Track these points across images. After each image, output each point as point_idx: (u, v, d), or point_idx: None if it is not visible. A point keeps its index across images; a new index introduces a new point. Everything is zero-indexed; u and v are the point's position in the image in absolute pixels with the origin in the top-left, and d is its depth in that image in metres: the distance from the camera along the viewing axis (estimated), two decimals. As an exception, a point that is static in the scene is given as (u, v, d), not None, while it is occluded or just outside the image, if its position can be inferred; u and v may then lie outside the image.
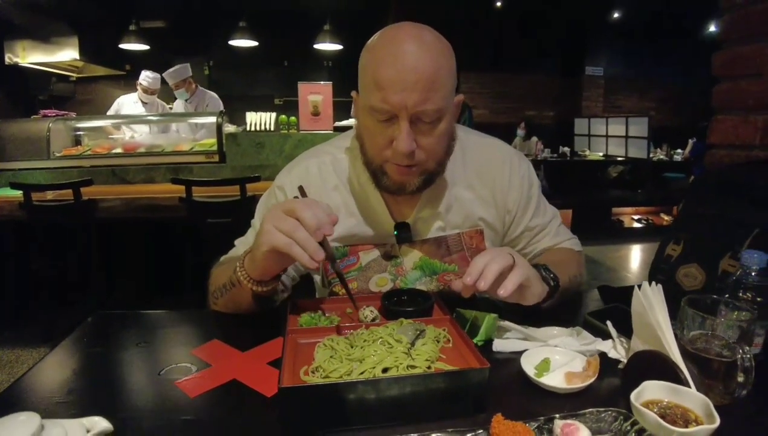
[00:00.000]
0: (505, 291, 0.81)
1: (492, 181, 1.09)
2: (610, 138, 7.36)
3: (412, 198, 1.03)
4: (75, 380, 0.78)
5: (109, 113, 4.70)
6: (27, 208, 2.71)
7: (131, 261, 3.21)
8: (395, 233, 1.05)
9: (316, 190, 1.04)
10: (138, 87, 4.68)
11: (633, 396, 0.62)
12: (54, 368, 0.82)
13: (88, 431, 0.52)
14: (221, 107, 4.58)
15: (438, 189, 1.04)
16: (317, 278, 1.17)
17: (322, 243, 0.80)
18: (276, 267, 0.89)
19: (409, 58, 0.84)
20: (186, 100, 4.59)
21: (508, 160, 1.10)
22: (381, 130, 0.89)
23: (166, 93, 4.80)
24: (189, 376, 0.77)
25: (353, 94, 0.97)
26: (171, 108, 5.07)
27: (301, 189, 0.93)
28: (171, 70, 4.46)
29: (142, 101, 4.71)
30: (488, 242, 1.10)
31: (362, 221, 1.06)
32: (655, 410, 0.61)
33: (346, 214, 1.05)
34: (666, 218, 6.91)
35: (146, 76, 4.64)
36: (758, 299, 0.78)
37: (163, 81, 4.56)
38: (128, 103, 4.72)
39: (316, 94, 3.54)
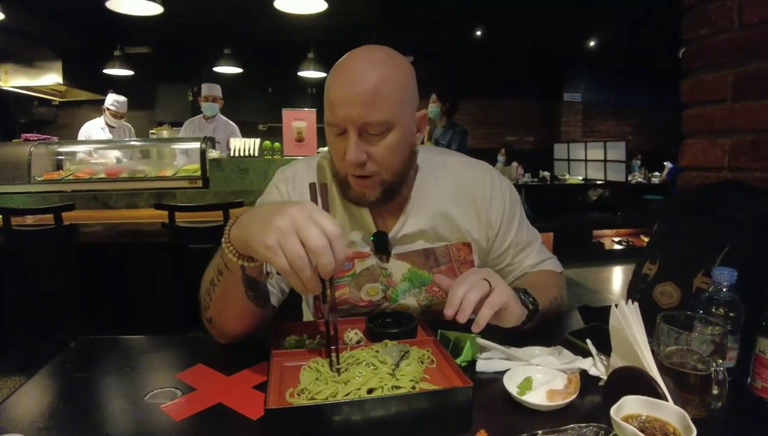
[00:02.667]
0: (477, 327, 0.84)
1: (473, 198, 1.11)
2: (589, 162, 7.52)
3: (396, 211, 1.06)
4: (58, 405, 0.77)
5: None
6: (6, 233, 2.64)
7: (113, 287, 3.15)
8: (372, 238, 1.06)
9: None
10: (105, 112, 4.64)
11: (613, 411, 0.64)
12: (36, 394, 0.81)
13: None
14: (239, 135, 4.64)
15: (422, 202, 1.07)
16: (310, 302, 1.16)
17: (330, 281, 0.76)
18: None
19: (353, 74, 0.90)
20: (206, 118, 4.58)
21: (488, 178, 1.13)
22: (337, 144, 0.94)
23: (140, 121, 4.80)
24: (174, 400, 0.77)
25: None
26: (154, 134, 5.05)
27: (312, 187, 0.86)
28: (209, 84, 4.55)
29: (110, 126, 4.67)
30: (475, 255, 1.12)
31: (349, 229, 1.07)
32: (635, 424, 0.63)
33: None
34: (645, 239, 7.02)
35: (114, 101, 4.62)
36: (730, 314, 0.81)
37: (130, 105, 4.64)
38: (95, 129, 4.68)
39: (300, 120, 3.56)
